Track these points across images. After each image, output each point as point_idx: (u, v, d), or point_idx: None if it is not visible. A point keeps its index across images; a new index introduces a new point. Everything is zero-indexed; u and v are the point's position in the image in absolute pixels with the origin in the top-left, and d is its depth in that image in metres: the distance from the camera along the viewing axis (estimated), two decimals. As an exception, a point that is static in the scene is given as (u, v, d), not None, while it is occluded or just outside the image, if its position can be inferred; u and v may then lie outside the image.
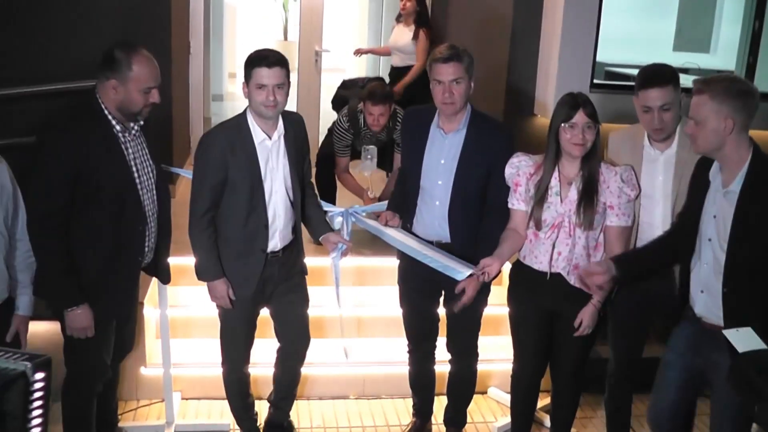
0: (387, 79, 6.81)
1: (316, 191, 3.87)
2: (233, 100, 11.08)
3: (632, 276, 3.18)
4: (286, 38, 14.18)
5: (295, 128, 3.44)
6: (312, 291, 4.40)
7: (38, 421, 1.28)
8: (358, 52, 7.48)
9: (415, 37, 6.31)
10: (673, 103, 3.22)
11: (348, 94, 5.25)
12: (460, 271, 3.24)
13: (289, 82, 3.25)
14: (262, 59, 3.18)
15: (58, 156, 2.93)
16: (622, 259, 3.16)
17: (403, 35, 6.38)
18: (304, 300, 3.69)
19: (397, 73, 6.56)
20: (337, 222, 3.65)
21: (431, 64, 3.36)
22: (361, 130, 4.91)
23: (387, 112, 4.78)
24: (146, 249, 3.22)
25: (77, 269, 3.04)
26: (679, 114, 3.28)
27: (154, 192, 3.22)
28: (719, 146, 2.76)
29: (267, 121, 3.29)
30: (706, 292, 2.93)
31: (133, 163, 3.10)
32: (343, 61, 12.84)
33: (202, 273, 3.40)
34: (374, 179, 5.13)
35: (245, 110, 3.33)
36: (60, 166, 2.92)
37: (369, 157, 4.88)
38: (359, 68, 11.64)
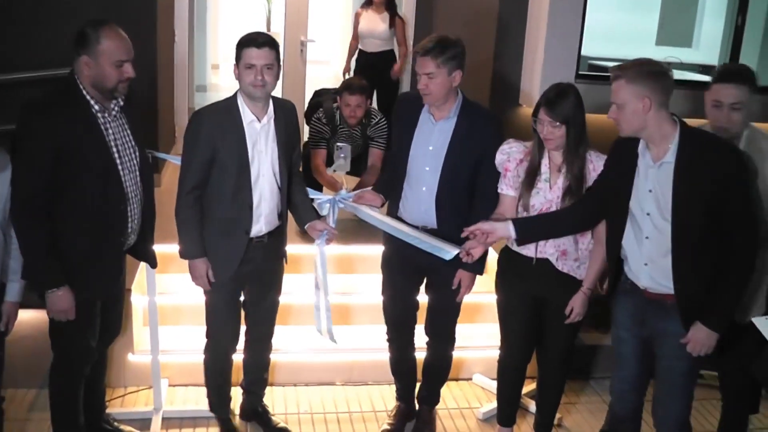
0: (354, 65, 6.90)
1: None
2: (216, 91, 11.03)
3: (531, 240, 3.31)
4: (269, 29, 14.11)
5: (287, 115, 3.47)
6: (297, 278, 4.45)
7: None
8: (347, 70, 7.37)
9: (392, 24, 6.43)
10: (743, 104, 3.24)
11: (322, 100, 5.31)
12: (448, 251, 3.27)
13: (278, 65, 3.28)
14: (251, 40, 3.24)
15: (37, 138, 2.93)
16: (523, 222, 3.29)
17: (377, 22, 6.51)
18: (278, 286, 3.72)
19: (372, 58, 6.66)
20: (326, 209, 3.65)
21: (413, 54, 3.42)
22: (337, 127, 4.99)
23: (363, 104, 4.86)
24: (129, 230, 3.21)
25: (60, 251, 3.03)
26: (747, 119, 3.30)
27: (137, 173, 3.21)
28: (642, 126, 2.89)
29: (257, 103, 3.31)
30: (650, 264, 3.01)
31: (113, 143, 3.08)
32: (326, 52, 12.84)
33: (184, 251, 3.43)
34: (348, 180, 5.13)
35: (236, 92, 3.36)
36: (39, 148, 2.93)
37: (342, 155, 4.85)
38: (342, 60, 11.63)
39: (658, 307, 3.03)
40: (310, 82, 7.14)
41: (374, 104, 5.36)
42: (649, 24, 7.69)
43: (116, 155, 3.09)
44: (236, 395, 3.95)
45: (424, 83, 3.35)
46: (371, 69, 6.60)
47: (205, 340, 3.68)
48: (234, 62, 3.29)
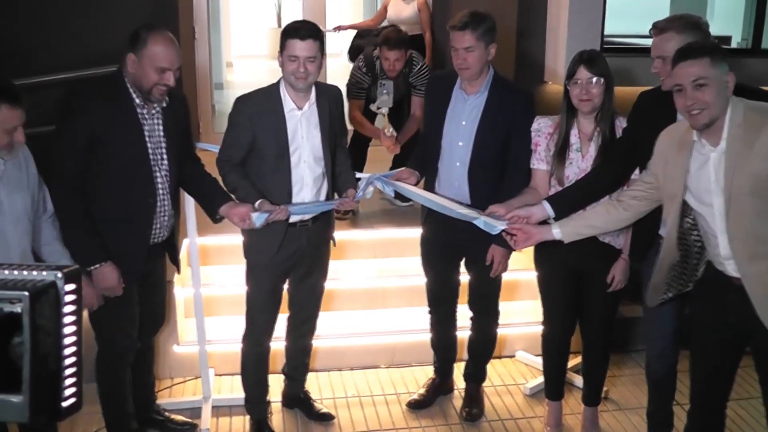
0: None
1: None
2: (232, 88, 11.08)
3: (569, 213, 3.24)
4: (280, 26, 14.15)
5: (331, 101, 3.48)
6: (343, 264, 4.51)
7: (72, 339, 1.15)
8: (339, 29, 7.50)
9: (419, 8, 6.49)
10: None
11: (363, 42, 5.28)
12: (494, 226, 3.25)
13: (322, 55, 3.30)
14: (295, 31, 3.25)
15: (75, 119, 3.04)
16: (556, 197, 3.29)
17: (404, 8, 6.53)
18: (322, 271, 3.73)
19: None
20: (369, 192, 3.63)
21: (449, 30, 3.43)
22: (377, 75, 4.94)
23: (403, 57, 4.80)
24: (157, 224, 3.24)
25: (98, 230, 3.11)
26: None
27: (169, 174, 3.24)
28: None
29: (299, 92, 3.33)
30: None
31: (148, 138, 3.15)
32: (338, 45, 12.84)
33: (241, 198, 3.36)
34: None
35: (279, 79, 3.38)
36: (75, 129, 3.02)
37: (385, 92, 4.82)
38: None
39: None
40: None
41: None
42: (662, -2, 7.68)
43: (150, 150, 3.16)
44: (277, 382, 3.98)
45: (462, 57, 3.37)
46: None
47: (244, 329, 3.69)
48: (279, 50, 3.31)
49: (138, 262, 3.25)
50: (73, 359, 1.12)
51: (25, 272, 1.10)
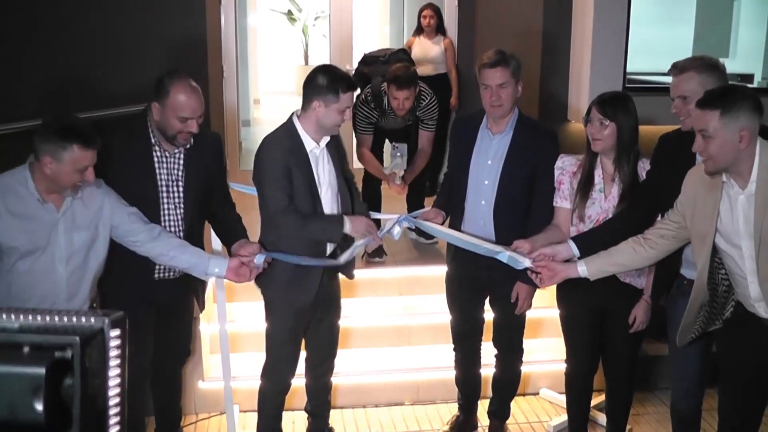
0: None
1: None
2: (259, 125, 11.22)
3: (593, 252, 3.21)
4: (307, 63, 14.32)
5: (336, 136, 3.52)
6: (356, 302, 4.54)
7: (117, 381, 1.22)
8: None
9: (446, 47, 6.60)
10: None
11: (369, 71, 5.12)
12: (520, 262, 3.27)
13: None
14: (347, 86, 3.28)
15: None
16: (582, 237, 3.30)
17: (430, 47, 6.65)
18: (337, 310, 3.76)
19: (427, 82, 6.73)
20: (397, 233, 3.64)
21: (479, 68, 3.47)
22: (385, 110, 4.85)
23: (412, 96, 4.67)
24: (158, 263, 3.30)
25: None
26: None
27: (183, 212, 3.31)
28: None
29: (319, 131, 3.38)
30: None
31: (160, 179, 3.24)
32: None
33: (332, 232, 3.39)
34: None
35: (291, 119, 3.39)
36: None
37: (399, 154, 4.77)
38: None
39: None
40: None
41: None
42: (685, 36, 7.71)
43: (161, 190, 3.25)
44: (301, 420, 4.02)
45: (495, 95, 3.41)
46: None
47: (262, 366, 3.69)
48: (319, 96, 3.27)
49: (135, 291, 3.30)
50: (117, 399, 1.19)
51: (74, 318, 1.17)
